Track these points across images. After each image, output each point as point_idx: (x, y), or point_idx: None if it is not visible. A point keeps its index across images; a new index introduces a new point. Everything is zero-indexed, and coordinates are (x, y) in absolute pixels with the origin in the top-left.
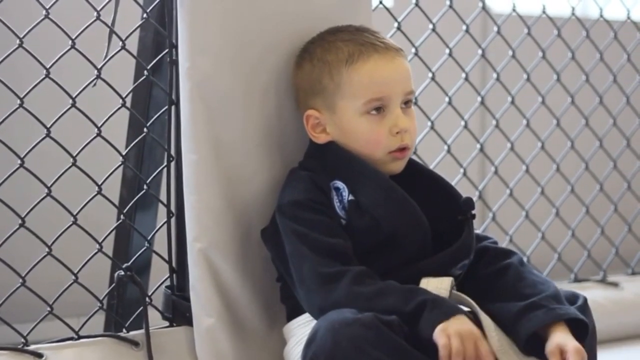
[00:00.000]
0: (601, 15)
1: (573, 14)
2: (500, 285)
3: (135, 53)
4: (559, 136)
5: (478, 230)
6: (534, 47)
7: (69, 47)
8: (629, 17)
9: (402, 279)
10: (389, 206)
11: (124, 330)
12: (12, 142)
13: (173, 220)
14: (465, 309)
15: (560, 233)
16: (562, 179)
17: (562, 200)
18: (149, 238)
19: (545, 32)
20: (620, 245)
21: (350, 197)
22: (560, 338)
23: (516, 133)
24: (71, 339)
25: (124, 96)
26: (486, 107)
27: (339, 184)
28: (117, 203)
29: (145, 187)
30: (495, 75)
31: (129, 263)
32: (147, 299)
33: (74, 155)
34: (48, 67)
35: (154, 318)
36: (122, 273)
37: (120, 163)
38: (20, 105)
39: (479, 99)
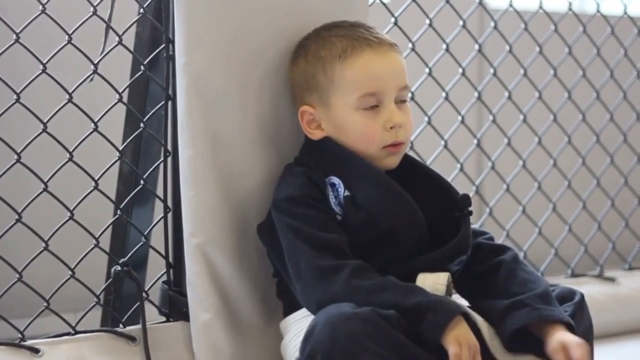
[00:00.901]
0: (598, 11)
1: (570, 9)
2: (491, 282)
3: (132, 48)
4: (556, 131)
5: (475, 225)
6: (531, 42)
7: (66, 42)
8: (625, 13)
9: (399, 275)
10: (385, 202)
11: (121, 325)
12: (9, 137)
13: (170, 215)
14: (465, 302)
15: (557, 228)
16: (559, 174)
17: (559, 195)
18: (145, 233)
19: (543, 27)
20: (617, 240)
21: (346, 193)
22: (561, 335)
23: (513, 128)
24: (68, 334)
25: (120, 91)
26: (483, 103)
27: (335, 179)
28: (113, 198)
29: (142, 182)
30: (492, 71)
31: (126, 258)
32: (143, 294)
33: (71, 150)
34: (45, 62)
35: (151, 313)
36: (119, 268)
37: (117, 158)
38: (17, 101)
39: (476, 94)
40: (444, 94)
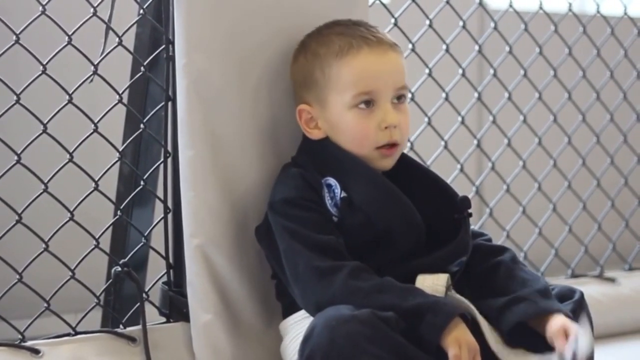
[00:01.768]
0: (598, 11)
1: (570, 9)
2: (490, 283)
3: (132, 49)
4: (556, 132)
5: (474, 226)
6: (531, 43)
7: (66, 43)
8: (625, 13)
9: (397, 276)
10: (381, 203)
11: (121, 326)
12: (9, 138)
13: (170, 216)
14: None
15: (557, 229)
16: (559, 175)
17: (559, 195)
18: (145, 234)
19: (543, 28)
20: (617, 240)
21: (343, 194)
22: (561, 320)
23: (513, 129)
24: (68, 335)
25: (120, 92)
26: (483, 103)
27: (331, 180)
28: (114, 199)
29: (142, 183)
30: (492, 71)
31: (126, 259)
32: (144, 295)
33: (71, 151)
34: (45, 63)
35: (151, 314)
36: (119, 269)
37: (117, 159)
38: (17, 102)
39: (476, 94)
40: (444, 95)
